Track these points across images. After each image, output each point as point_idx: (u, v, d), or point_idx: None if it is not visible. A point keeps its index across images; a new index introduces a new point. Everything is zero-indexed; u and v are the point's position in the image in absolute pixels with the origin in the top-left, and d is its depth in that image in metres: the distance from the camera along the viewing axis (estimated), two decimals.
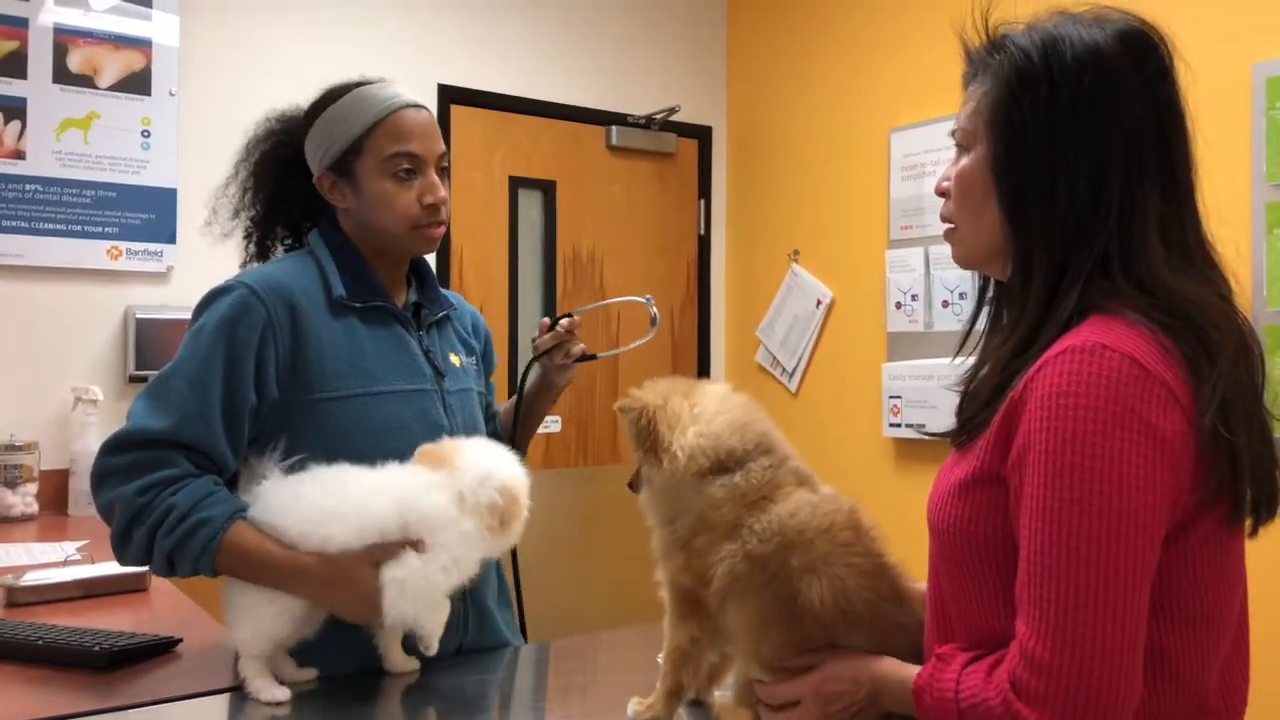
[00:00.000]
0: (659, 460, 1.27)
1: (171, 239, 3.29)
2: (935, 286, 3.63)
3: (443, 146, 1.68)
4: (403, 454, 1.51)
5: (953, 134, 1.16)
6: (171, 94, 3.31)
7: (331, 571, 1.43)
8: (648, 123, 4.25)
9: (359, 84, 1.67)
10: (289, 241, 1.78)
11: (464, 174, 3.82)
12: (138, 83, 3.27)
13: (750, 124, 4.42)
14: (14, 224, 3.08)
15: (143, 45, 3.28)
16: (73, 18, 3.17)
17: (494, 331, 2.00)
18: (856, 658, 1.16)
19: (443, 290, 1.82)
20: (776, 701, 1.21)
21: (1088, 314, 1.03)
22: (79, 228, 3.17)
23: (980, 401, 1.09)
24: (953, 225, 1.16)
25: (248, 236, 1.74)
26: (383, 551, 1.43)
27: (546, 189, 4.09)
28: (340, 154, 1.63)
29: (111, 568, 2.01)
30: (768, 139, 4.34)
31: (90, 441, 2.94)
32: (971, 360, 1.17)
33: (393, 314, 1.67)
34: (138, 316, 3.18)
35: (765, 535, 1.20)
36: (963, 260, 1.18)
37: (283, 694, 1.42)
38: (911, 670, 1.10)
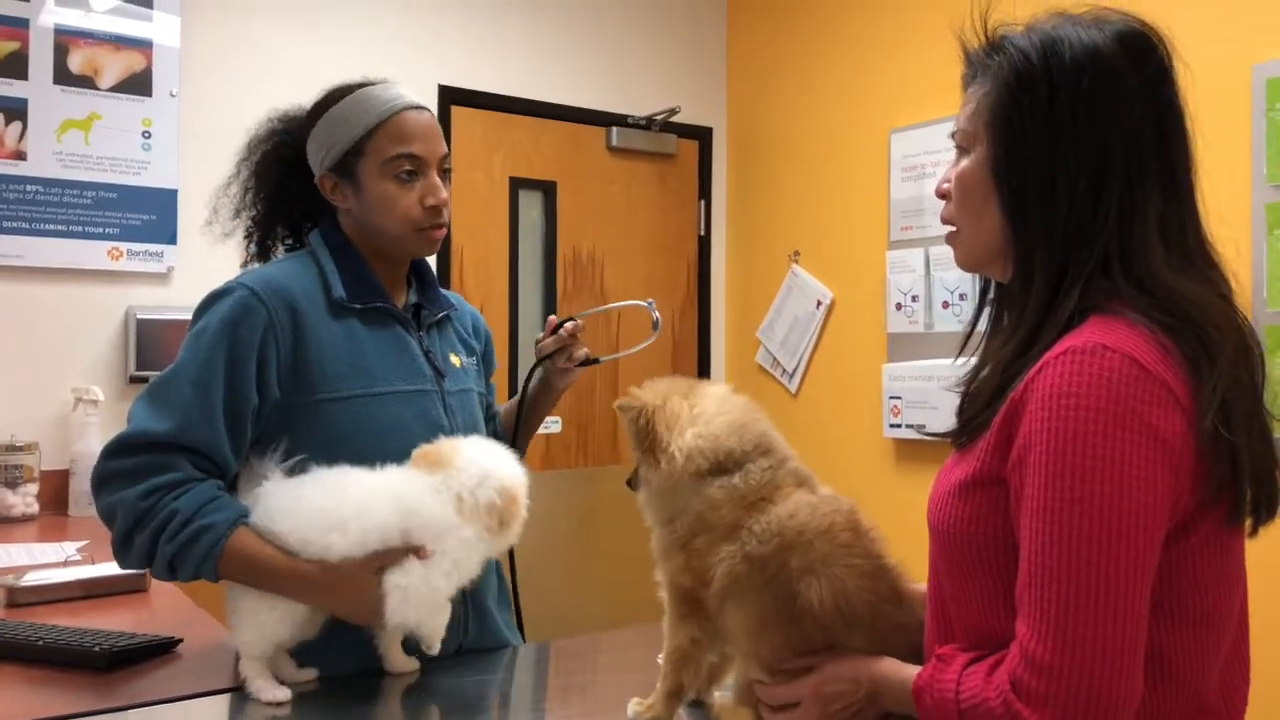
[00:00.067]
0: (656, 460, 1.27)
1: (172, 240, 3.29)
2: (935, 287, 3.63)
3: (445, 148, 1.68)
4: (403, 454, 1.51)
5: (952, 136, 1.16)
6: (172, 95, 3.31)
7: (333, 579, 1.44)
8: (648, 124, 4.26)
9: (362, 85, 1.67)
10: (290, 241, 1.78)
11: (464, 175, 3.82)
12: (138, 84, 3.27)
13: (750, 125, 4.42)
14: (15, 225, 3.08)
15: (143, 46, 3.28)
16: (73, 19, 3.17)
17: (494, 332, 2.00)
18: (856, 658, 1.16)
19: (443, 291, 1.82)
20: (776, 702, 1.21)
21: (1088, 314, 1.03)
22: (80, 229, 3.17)
23: (981, 402, 1.09)
24: (954, 228, 1.16)
25: (248, 236, 1.75)
26: (385, 558, 1.43)
27: (547, 190, 4.09)
28: (342, 155, 1.64)
29: (112, 568, 2.01)
30: (768, 140, 4.34)
31: (91, 442, 2.95)
32: (973, 361, 1.17)
33: (393, 315, 1.67)
34: (138, 317, 3.18)
35: (764, 536, 1.20)
36: (965, 263, 1.18)
37: (283, 694, 1.42)
38: (911, 670, 1.10)
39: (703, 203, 4.47)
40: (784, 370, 4.20)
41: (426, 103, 1.70)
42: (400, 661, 1.55)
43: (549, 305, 4.08)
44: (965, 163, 1.13)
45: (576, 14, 4.12)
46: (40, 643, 1.58)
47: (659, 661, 1.32)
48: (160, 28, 3.30)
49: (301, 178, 1.70)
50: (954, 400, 1.16)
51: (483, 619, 1.70)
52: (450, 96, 3.81)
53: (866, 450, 3.83)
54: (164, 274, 3.29)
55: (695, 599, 1.26)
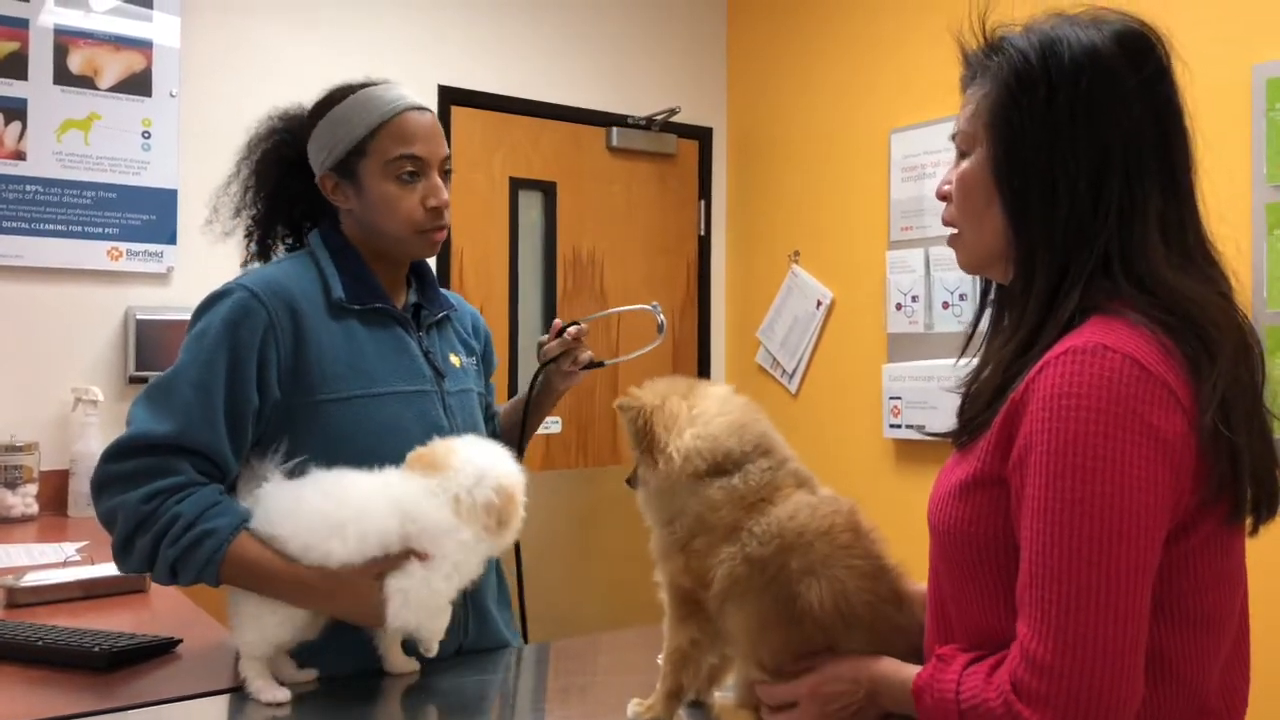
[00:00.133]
0: (654, 461, 1.27)
1: (172, 240, 3.29)
2: (935, 288, 3.63)
3: (446, 149, 1.68)
4: (403, 455, 1.51)
5: (953, 137, 1.16)
6: (172, 95, 3.31)
7: (333, 584, 1.44)
8: (648, 124, 4.26)
9: (364, 85, 1.67)
10: (290, 241, 1.77)
11: (464, 175, 3.82)
12: (138, 84, 3.27)
13: (750, 125, 4.42)
14: (14, 225, 3.08)
15: (143, 46, 3.28)
16: (73, 19, 3.17)
17: (494, 332, 2.00)
18: (855, 658, 1.16)
19: (443, 291, 1.82)
20: (775, 701, 1.20)
21: (1089, 314, 1.03)
22: (79, 229, 3.17)
23: (981, 402, 1.09)
24: (956, 230, 1.16)
25: (248, 235, 1.74)
26: (385, 563, 1.43)
27: (547, 190, 4.09)
28: (344, 155, 1.63)
29: (111, 569, 1.99)
30: (768, 140, 4.34)
31: (90, 442, 2.94)
32: (974, 362, 1.17)
33: (392, 315, 1.66)
34: (138, 317, 3.18)
35: (764, 538, 1.20)
36: (967, 265, 1.18)
37: (283, 695, 1.42)
38: (911, 671, 1.10)
39: (703, 203, 4.47)
40: (784, 370, 4.20)
41: (426, 103, 1.70)
42: (400, 662, 1.55)
43: (549, 305, 4.08)
44: (966, 164, 1.13)
45: (576, 14, 4.12)
46: (40, 643, 1.58)
47: (659, 662, 1.31)
48: (160, 28, 3.30)
49: (302, 177, 1.70)
50: (954, 401, 1.16)
51: (482, 619, 1.70)
52: (450, 96, 3.81)
53: (866, 451, 3.82)
54: (164, 274, 3.29)
55: (695, 600, 1.26)
